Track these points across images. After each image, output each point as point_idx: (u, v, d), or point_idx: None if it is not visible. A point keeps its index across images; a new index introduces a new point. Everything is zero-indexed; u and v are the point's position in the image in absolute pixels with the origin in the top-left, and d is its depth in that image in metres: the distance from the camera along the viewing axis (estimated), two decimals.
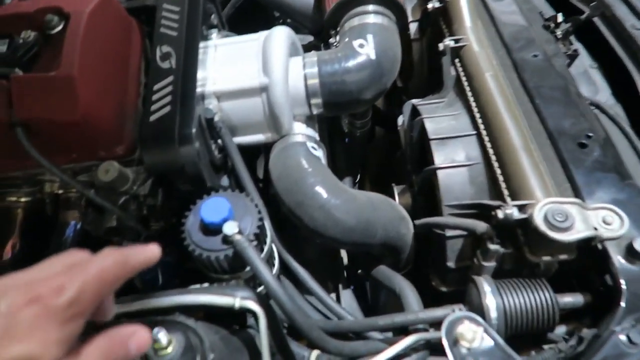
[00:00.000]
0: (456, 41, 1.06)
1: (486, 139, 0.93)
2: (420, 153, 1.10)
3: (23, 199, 0.94)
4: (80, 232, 0.89)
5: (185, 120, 0.83)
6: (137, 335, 0.46)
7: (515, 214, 0.77)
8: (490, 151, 0.91)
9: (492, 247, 0.80)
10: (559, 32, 1.08)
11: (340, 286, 1.02)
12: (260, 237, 0.76)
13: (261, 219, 0.75)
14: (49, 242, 0.89)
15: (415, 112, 1.11)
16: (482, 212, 0.89)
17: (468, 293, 0.81)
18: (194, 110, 0.84)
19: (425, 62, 1.28)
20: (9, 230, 0.94)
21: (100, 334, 0.45)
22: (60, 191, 0.91)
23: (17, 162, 0.86)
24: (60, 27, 0.79)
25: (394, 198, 1.14)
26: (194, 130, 0.82)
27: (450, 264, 0.95)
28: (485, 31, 1.07)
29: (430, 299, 0.95)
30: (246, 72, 0.93)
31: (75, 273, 0.43)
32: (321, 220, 0.86)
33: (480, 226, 0.83)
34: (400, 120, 1.27)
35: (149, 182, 0.85)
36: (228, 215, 0.70)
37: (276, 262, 0.88)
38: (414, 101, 1.11)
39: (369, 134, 1.22)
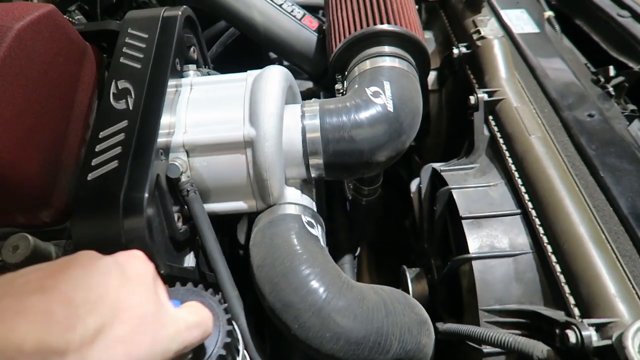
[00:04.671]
0: (490, 94, 0.86)
1: (536, 221, 0.71)
2: (443, 232, 0.87)
3: None
4: None
5: (136, 181, 0.60)
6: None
7: (594, 338, 0.55)
8: (544, 239, 0.69)
9: None
10: (610, 88, 0.89)
11: None
12: (230, 348, 0.52)
13: (230, 332, 0.51)
14: None
15: (437, 178, 0.90)
16: (535, 323, 0.66)
17: None
18: (149, 167, 0.62)
19: (445, 117, 1.08)
20: None
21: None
22: None
23: None
24: None
25: (404, 283, 0.91)
26: (146, 195, 0.59)
27: None
28: (524, 84, 0.88)
29: None
30: (227, 119, 0.72)
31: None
32: (317, 330, 0.61)
33: (539, 349, 0.59)
34: (414, 185, 1.06)
35: None
36: None
37: None
38: (436, 165, 0.90)
39: (377, 203, 0.99)
